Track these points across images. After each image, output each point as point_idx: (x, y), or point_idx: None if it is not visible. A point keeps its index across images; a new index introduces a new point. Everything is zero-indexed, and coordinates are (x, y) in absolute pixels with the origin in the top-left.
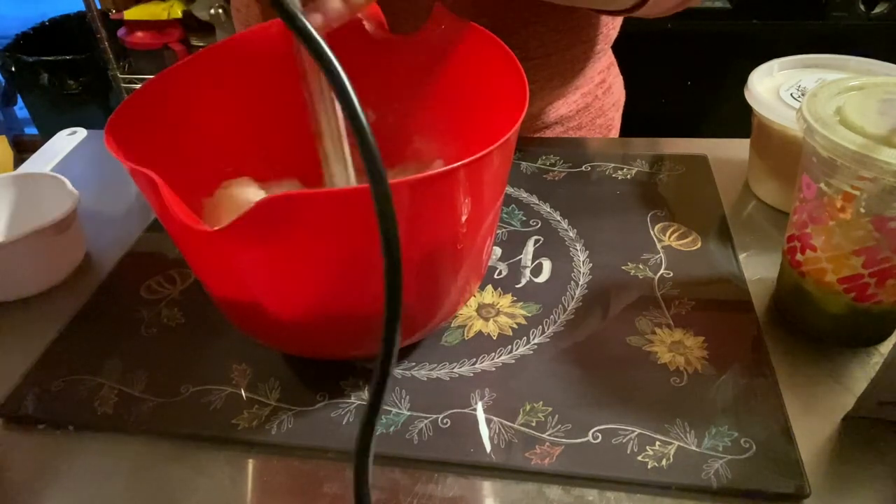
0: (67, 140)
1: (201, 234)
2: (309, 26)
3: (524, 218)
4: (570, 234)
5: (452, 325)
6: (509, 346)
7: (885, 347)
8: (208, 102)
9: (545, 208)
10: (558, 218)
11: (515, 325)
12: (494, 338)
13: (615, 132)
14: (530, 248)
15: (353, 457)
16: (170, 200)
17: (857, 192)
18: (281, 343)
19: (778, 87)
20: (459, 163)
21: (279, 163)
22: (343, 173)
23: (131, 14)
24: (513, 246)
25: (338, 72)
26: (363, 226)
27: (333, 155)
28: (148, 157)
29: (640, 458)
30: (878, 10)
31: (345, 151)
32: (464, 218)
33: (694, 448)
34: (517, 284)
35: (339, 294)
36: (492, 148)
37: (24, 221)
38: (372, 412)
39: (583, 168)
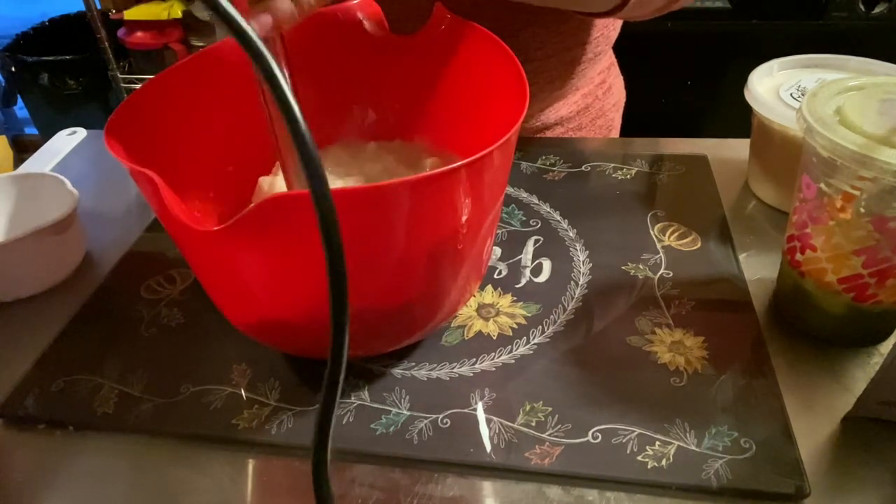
0: (67, 140)
1: (201, 234)
2: (245, 26)
3: (524, 218)
4: (570, 234)
5: (452, 325)
6: (509, 346)
7: (885, 347)
8: (208, 102)
9: (545, 208)
10: (558, 218)
11: (515, 325)
12: (494, 338)
13: (615, 133)
14: (530, 248)
15: (354, 457)
16: (169, 200)
17: (857, 192)
18: (281, 343)
19: (778, 87)
20: (460, 163)
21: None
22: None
23: (131, 14)
24: (513, 246)
25: (271, 66)
26: (363, 225)
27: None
28: (148, 157)
29: (640, 458)
30: (878, 10)
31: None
32: (464, 218)
33: (694, 448)
34: (517, 284)
35: None
36: (492, 148)
37: (24, 221)
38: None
39: (583, 168)
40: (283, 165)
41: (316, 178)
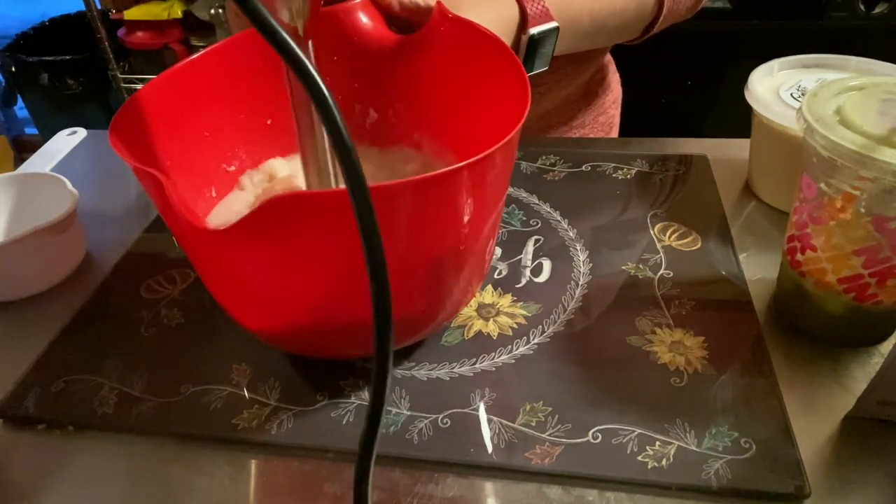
0: (67, 140)
1: (206, 233)
2: (287, 37)
3: (524, 218)
4: (570, 234)
5: (452, 325)
6: (509, 346)
7: (885, 347)
8: (210, 102)
9: (545, 208)
10: (558, 218)
11: (515, 325)
12: (494, 338)
13: (616, 129)
14: (530, 248)
15: (354, 457)
16: (174, 200)
17: (857, 192)
18: (282, 342)
19: (778, 87)
20: (462, 163)
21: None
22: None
23: (131, 14)
24: (513, 246)
25: (317, 82)
26: None
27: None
28: (150, 157)
29: (640, 458)
30: (878, 10)
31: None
32: (466, 219)
33: (694, 448)
34: (517, 284)
35: (342, 294)
36: (494, 148)
37: (24, 221)
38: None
39: (583, 168)
40: (304, 164)
41: (358, 188)
